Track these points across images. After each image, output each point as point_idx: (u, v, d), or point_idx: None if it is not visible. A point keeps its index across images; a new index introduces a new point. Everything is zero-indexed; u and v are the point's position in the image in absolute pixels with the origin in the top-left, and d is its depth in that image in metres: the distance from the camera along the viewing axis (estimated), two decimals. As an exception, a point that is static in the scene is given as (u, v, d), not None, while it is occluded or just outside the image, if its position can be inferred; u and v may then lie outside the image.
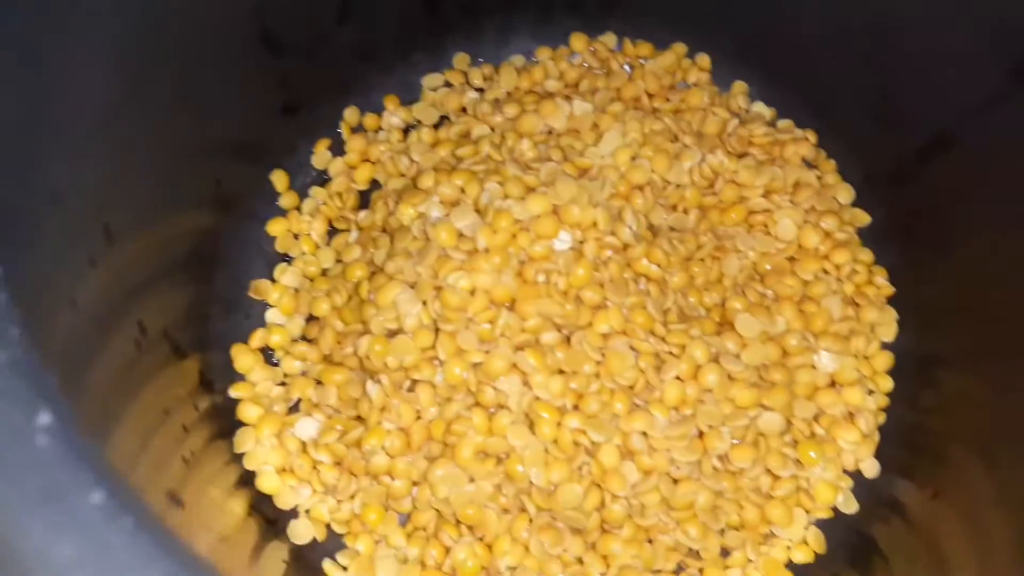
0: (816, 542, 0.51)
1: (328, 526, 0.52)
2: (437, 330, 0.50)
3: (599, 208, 0.51)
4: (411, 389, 0.51)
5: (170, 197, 0.50)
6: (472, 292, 0.49)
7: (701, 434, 0.50)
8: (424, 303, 0.50)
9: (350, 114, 0.63)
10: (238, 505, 0.50)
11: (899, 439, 0.53)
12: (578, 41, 0.64)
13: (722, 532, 0.51)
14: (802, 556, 0.51)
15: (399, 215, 0.53)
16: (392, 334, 0.51)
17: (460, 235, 0.50)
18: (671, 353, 0.51)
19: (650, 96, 0.61)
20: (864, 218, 0.59)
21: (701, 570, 0.50)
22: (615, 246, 0.52)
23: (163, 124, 0.48)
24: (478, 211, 0.51)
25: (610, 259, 0.52)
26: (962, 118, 0.52)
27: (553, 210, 0.51)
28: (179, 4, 0.47)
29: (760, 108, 0.62)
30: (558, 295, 0.50)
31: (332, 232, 0.61)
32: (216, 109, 0.52)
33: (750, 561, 0.50)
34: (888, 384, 0.54)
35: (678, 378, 0.50)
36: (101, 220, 0.43)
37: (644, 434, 0.49)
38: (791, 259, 0.57)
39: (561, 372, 0.50)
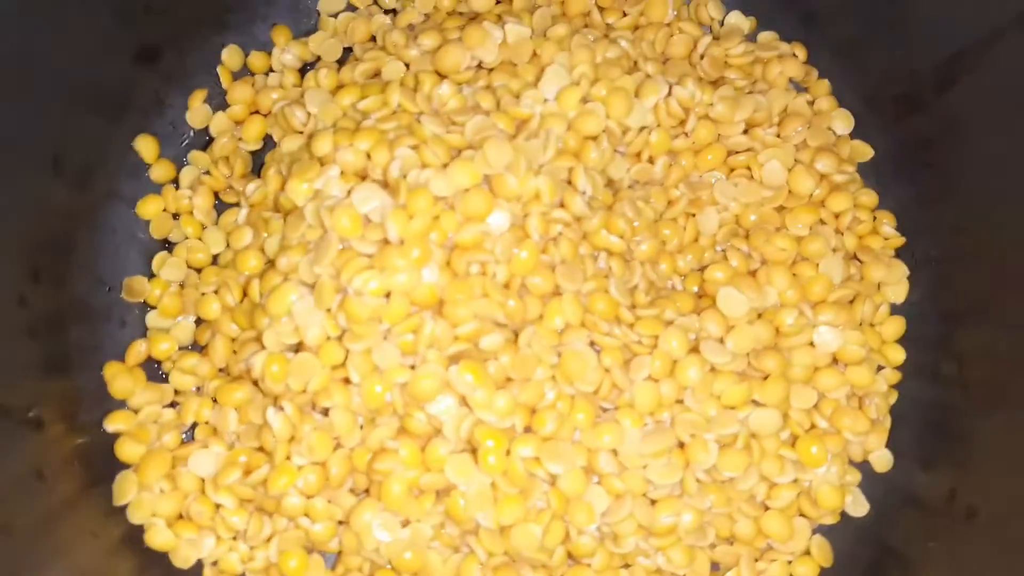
0: (822, 554, 0.44)
1: (242, 578, 0.43)
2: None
3: (542, 175, 0.40)
4: (325, 413, 0.41)
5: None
6: (387, 295, 0.39)
7: (681, 445, 0.41)
8: (328, 311, 0.39)
9: (230, 55, 0.51)
10: (122, 570, 0.41)
11: (915, 421, 0.45)
12: (511, -57, 0.51)
13: (712, 547, 0.43)
14: (806, 571, 0.43)
15: (290, 193, 0.41)
16: (293, 349, 0.41)
17: (366, 221, 0.39)
18: (641, 344, 0.42)
19: (602, 10, 0.49)
20: (866, 152, 0.49)
21: (688, 597, 0.43)
22: (565, 220, 0.41)
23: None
24: (387, 187, 0.40)
25: (560, 235, 0.41)
26: (984, 32, 0.41)
27: (484, 180, 0.40)
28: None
29: (736, 19, 0.50)
30: (497, 289, 0.39)
31: (220, 206, 0.49)
32: (35, 47, 0.40)
33: (745, 583, 0.43)
34: (900, 356, 0.46)
35: (651, 377, 0.41)
36: None
37: (613, 452, 0.40)
38: (780, 209, 0.47)
39: (509, 382, 0.40)
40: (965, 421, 0.44)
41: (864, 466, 0.45)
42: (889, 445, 0.45)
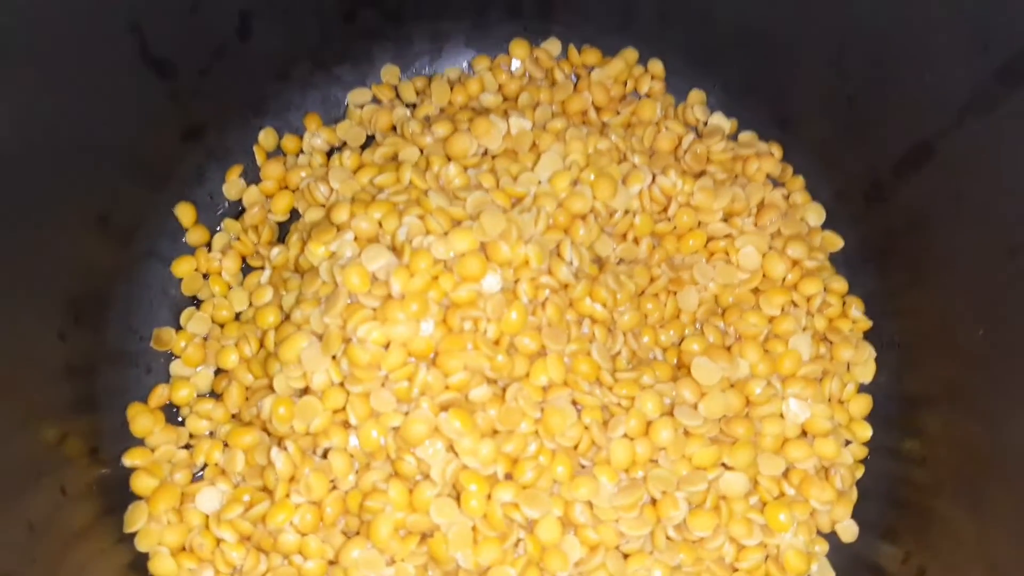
0: (788, 618, 0.45)
1: (236, 612, 0.46)
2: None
3: (532, 244, 0.45)
4: (324, 456, 0.44)
5: (43, 222, 0.44)
6: (387, 345, 0.43)
7: (654, 501, 0.44)
8: (333, 358, 0.43)
9: (265, 137, 0.56)
10: (127, 595, 0.44)
11: (880, 495, 0.47)
12: (518, 48, 0.57)
13: (681, 607, 0.45)
14: (773, 635, 0.45)
15: (308, 255, 0.46)
16: (300, 393, 0.44)
17: (373, 279, 0.44)
18: (620, 405, 0.45)
19: (598, 109, 0.55)
20: (836, 242, 0.53)
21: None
22: (552, 286, 0.45)
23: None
24: (394, 249, 0.45)
25: (548, 300, 0.45)
26: (942, 127, 0.46)
27: (480, 247, 0.44)
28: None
29: (719, 120, 0.56)
30: (487, 345, 0.43)
31: (247, 270, 0.54)
32: (93, 126, 0.46)
33: (712, 643, 0.44)
34: (867, 432, 0.48)
35: (627, 436, 0.44)
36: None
37: (588, 504, 0.43)
38: (755, 291, 0.51)
39: (495, 433, 0.43)
40: (924, 497, 0.46)
41: (831, 537, 0.47)
42: (855, 517, 0.47)
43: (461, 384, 0.43)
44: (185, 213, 0.54)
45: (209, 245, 0.54)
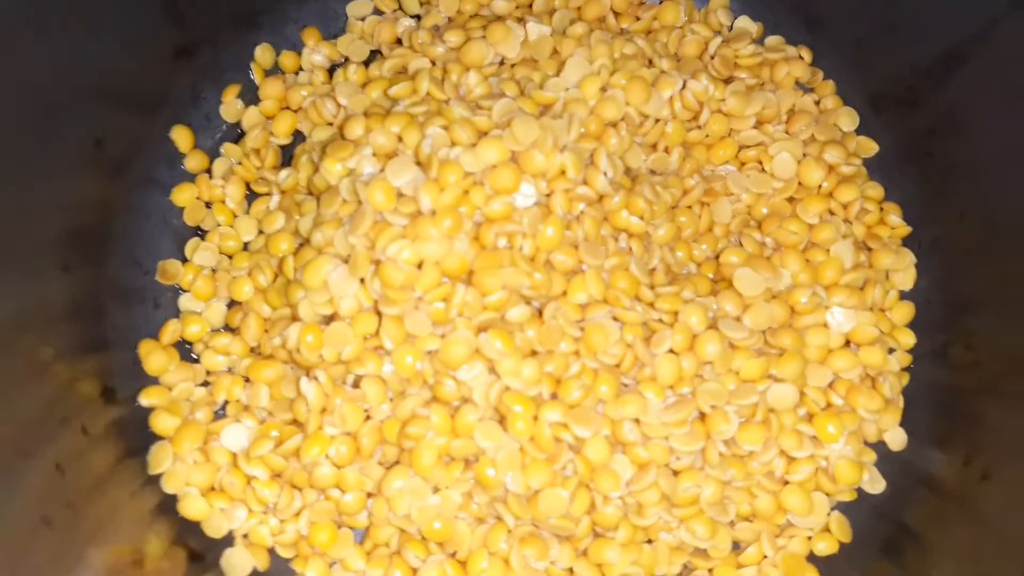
0: (841, 530, 0.45)
1: (271, 551, 0.44)
2: (380, 313, 0.41)
3: (567, 152, 0.42)
4: (356, 385, 0.42)
5: (34, 157, 0.40)
6: (419, 265, 0.40)
7: (703, 416, 0.42)
8: (361, 281, 0.41)
9: (262, 53, 0.53)
10: (157, 538, 0.42)
11: (927, 402, 0.46)
12: (530, -49, 0.53)
13: (732, 524, 0.44)
14: (826, 547, 0.44)
15: (324, 173, 0.43)
16: (327, 320, 0.42)
17: (399, 195, 0.41)
18: (662, 321, 0.43)
19: (616, 15, 0.52)
20: (871, 147, 0.51)
21: (710, 570, 0.44)
22: (589, 198, 0.43)
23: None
24: (419, 163, 0.42)
25: (584, 213, 0.43)
26: (983, 25, 0.44)
27: (512, 157, 0.42)
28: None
29: (745, 23, 0.53)
30: (524, 261, 0.41)
31: (251, 197, 0.51)
32: (81, 45, 0.42)
33: (766, 556, 0.44)
34: (910, 340, 0.47)
35: (672, 351, 0.43)
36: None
37: (636, 421, 0.41)
38: (791, 200, 0.49)
39: (534, 354, 0.41)
40: (975, 401, 0.45)
41: (879, 447, 0.46)
42: (902, 425, 0.46)
43: (498, 304, 0.41)
44: (182, 137, 0.50)
45: (209, 171, 0.51)
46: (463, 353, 0.40)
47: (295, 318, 0.43)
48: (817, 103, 0.52)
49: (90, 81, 0.44)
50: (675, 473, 0.42)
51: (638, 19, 0.52)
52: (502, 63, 0.49)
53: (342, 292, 0.41)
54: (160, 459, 0.43)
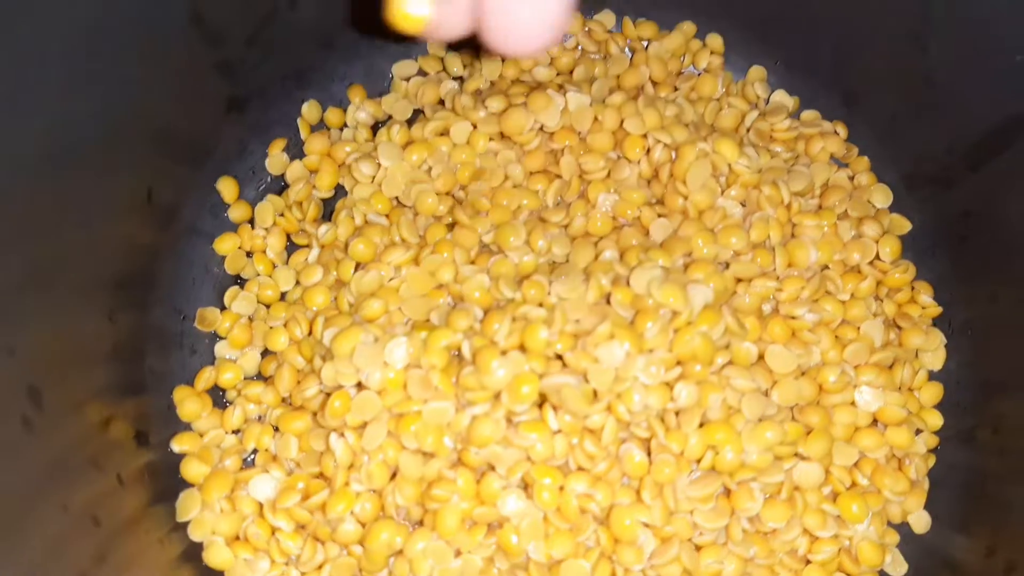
0: (862, 611, 0.44)
1: (292, 603, 0.44)
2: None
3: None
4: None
5: (87, 205, 0.42)
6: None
7: (728, 492, 0.42)
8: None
9: (309, 109, 0.54)
10: (182, 585, 0.43)
11: (953, 486, 0.46)
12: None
13: (752, 601, 0.44)
14: (845, 627, 0.44)
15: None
16: (356, 386, 0.43)
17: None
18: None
19: (655, 84, 0.53)
20: (904, 225, 0.51)
21: (729, 647, 0.43)
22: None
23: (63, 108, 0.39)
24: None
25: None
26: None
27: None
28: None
29: (781, 97, 0.54)
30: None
31: (291, 248, 0.52)
32: (139, 99, 0.43)
33: (786, 636, 0.43)
34: (938, 421, 0.47)
35: (701, 425, 0.43)
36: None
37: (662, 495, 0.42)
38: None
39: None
40: (1002, 487, 0.45)
41: (903, 528, 0.46)
42: (927, 508, 0.46)
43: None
44: (227, 188, 0.52)
45: (252, 222, 0.52)
46: (491, 435, 0.40)
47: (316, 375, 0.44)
48: (851, 179, 0.52)
49: (147, 132, 0.45)
50: (697, 548, 0.42)
51: (676, 89, 0.53)
52: (541, 129, 0.50)
53: (371, 367, 0.41)
54: (189, 506, 0.44)
